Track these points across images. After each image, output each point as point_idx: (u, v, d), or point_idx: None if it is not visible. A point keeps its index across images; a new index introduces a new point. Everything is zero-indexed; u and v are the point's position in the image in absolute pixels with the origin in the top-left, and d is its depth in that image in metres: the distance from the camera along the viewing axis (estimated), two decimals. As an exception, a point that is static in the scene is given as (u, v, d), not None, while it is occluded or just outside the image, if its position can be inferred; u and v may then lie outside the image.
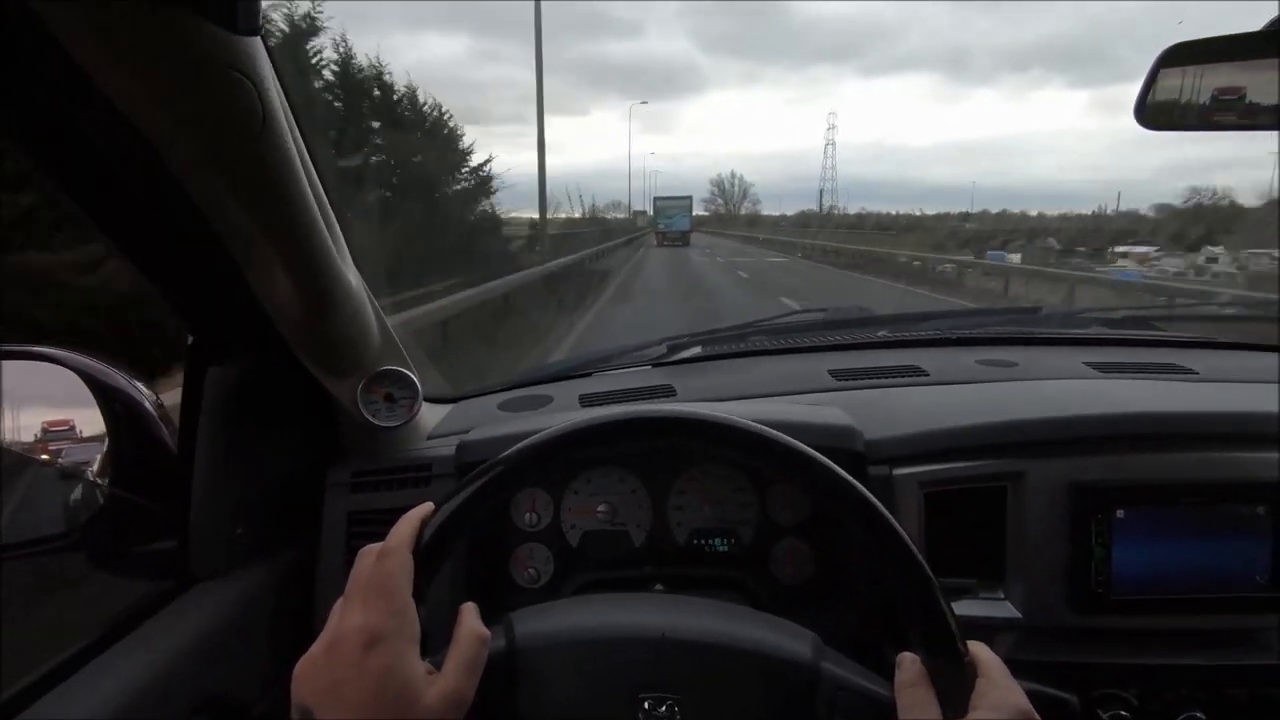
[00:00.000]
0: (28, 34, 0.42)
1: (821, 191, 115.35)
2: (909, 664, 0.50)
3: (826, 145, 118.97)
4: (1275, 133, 0.73)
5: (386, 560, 0.48)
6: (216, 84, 0.46)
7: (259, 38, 0.47)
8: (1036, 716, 0.47)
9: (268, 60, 0.49)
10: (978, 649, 0.50)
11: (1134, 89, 0.75)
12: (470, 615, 0.50)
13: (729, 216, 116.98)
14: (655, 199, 50.88)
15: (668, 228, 44.07)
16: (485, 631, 0.49)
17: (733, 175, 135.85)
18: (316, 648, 0.46)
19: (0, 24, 0.42)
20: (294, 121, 0.57)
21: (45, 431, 0.82)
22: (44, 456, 0.82)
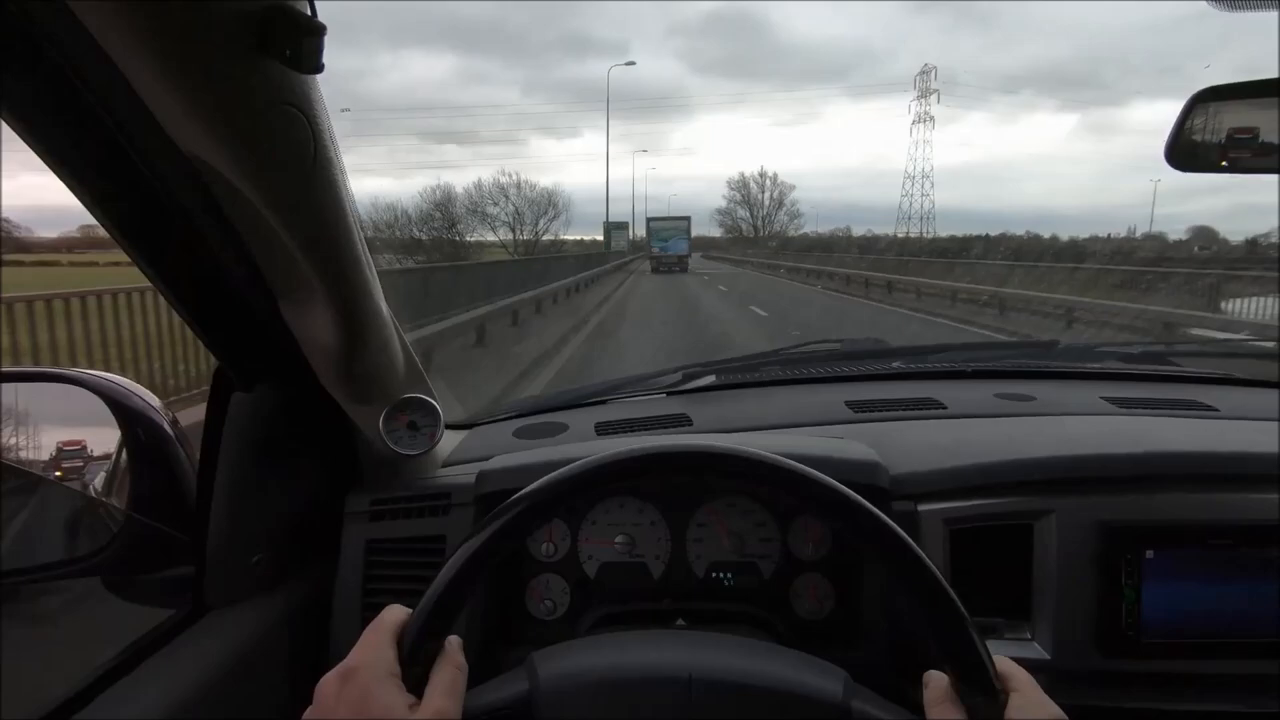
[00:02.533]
0: (89, 61, 0.42)
1: (907, 197, 71.06)
2: (936, 681, 0.51)
3: (914, 124, 73.45)
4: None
5: (383, 613, 0.52)
6: (274, 119, 0.46)
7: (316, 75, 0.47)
8: None
9: (320, 95, 0.50)
10: (1007, 666, 0.51)
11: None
12: (452, 646, 0.52)
13: (758, 238, 70.97)
14: (649, 219, 42.96)
15: (663, 250, 38.10)
16: (462, 659, 0.52)
17: (762, 174, 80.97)
18: (304, 714, 0.49)
19: (64, 55, 0.43)
20: (339, 154, 0.57)
21: (59, 451, 0.82)
22: (57, 474, 0.81)
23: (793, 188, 78.56)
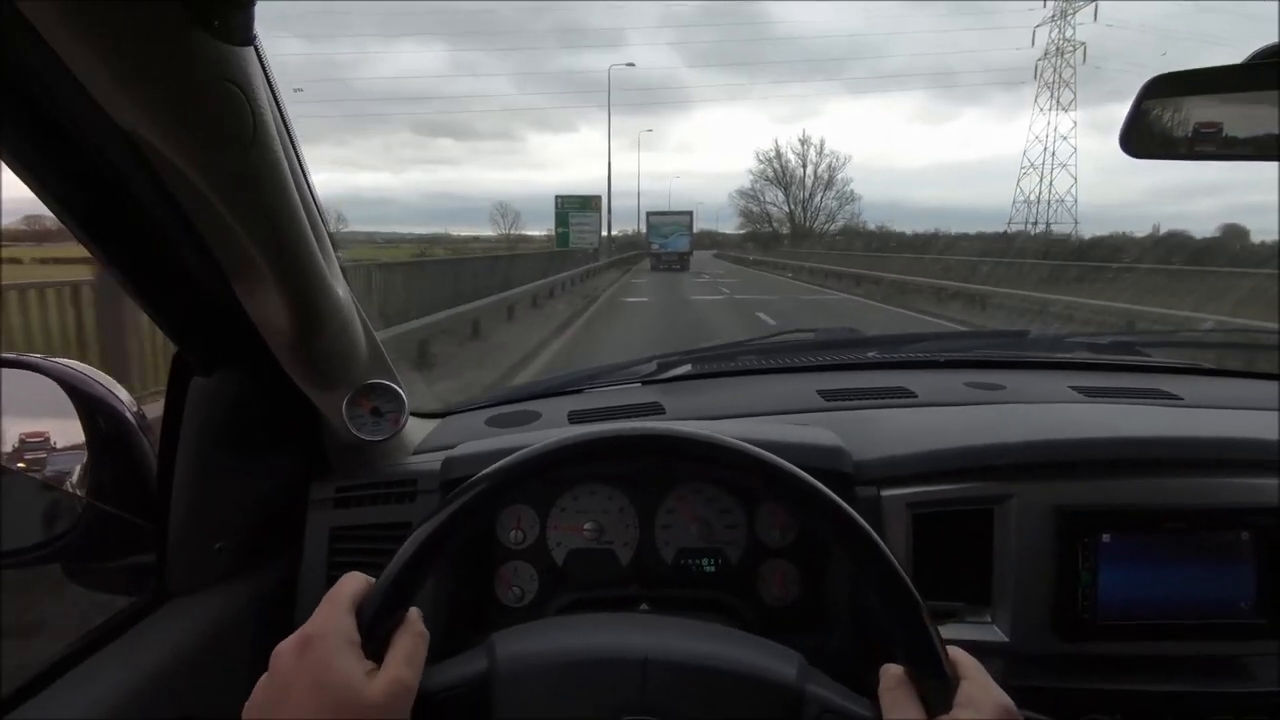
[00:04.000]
0: (19, 39, 0.42)
1: (1032, 171, 46.39)
2: (891, 671, 0.52)
3: (1043, 59, 46.10)
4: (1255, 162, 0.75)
5: (342, 581, 0.52)
6: (209, 94, 0.46)
7: (252, 48, 0.47)
8: (1016, 711, 0.49)
9: (260, 70, 0.49)
10: (957, 654, 0.52)
11: (1122, 110, 0.76)
12: (413, 616, 0.52)
13: (797, 230, 51.21)
14: (649, 214, 39.28)
15: (663, 247, 35.89)
16: (423, 629, 0.52)
17: (804, 141, 58.15)
18: (259, 681, 0.49)
19: None
20: (286, 132, 0.56)
21: (22, 443, 0.81)
22: (20, 465, 0.80)
23: (848, 158, 56.08)
